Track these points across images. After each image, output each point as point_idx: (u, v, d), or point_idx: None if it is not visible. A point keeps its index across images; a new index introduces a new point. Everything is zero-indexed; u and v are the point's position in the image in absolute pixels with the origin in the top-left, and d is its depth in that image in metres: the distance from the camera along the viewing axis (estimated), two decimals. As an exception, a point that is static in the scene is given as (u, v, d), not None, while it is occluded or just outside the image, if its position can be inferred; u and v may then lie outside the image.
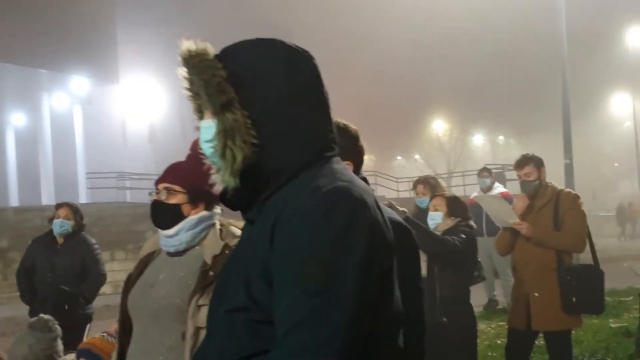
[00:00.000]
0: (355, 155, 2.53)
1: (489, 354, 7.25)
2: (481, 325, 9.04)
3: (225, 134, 1.63)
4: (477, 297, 8.63)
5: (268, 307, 1.55)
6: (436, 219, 4.88)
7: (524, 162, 5.59)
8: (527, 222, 5.46)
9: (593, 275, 5.41)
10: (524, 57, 45.17)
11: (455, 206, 4.90)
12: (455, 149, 50.45)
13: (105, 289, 16.38)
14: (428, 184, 6.58)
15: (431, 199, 5.07)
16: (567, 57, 12.03)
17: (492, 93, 46.37)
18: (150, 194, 2.83)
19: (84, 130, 31.53)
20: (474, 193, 9.77)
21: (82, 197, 30.87)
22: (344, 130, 2.49)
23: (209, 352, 1.70)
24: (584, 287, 5.28)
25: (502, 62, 45.46)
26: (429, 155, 50.84)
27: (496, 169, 31.53)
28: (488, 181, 10.01)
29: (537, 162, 5.57)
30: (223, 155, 1.64)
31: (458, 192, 11.93)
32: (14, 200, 32.74)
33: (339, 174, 1.65)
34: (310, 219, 1.53)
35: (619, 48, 41.24)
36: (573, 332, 8.06)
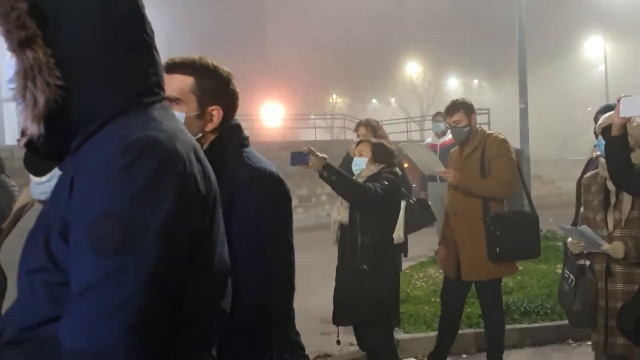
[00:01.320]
0: (225, 99, 2.37)
1: (432, 299, 7.21)
2: (430, 270, 9.03)
3: (24, 74, 1.45)
4: (430, 242, 8.60)
5: (67, 268, 1.40)
6: (360, 165, 4.74)
7: (453, 108, 5.45)
8: (454, 170, 5.36)
9: (522, 221, 5.33)
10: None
11: (380, 152, 4.74)
12: (429, 93, 50.22)
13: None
14: (369, 126, 6.42)
15: (357, 144, 4.92)
16: (525, 8, 11.85)
17: (466, 36, 46.00)
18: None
19: None
20: (427, 139, 9.64)
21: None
22: (214, 72, 2.33)
23: (12, 316, 1.56)
24: (511, 235, 5.19)
25: (476, 5, 45.00)
26: (402, 98, 50.60)
27: (464, 112, 31.70)
28: (442, 125, 9.83)
29: (467, 109, 5.44)
30: (23, 98, 1.46)
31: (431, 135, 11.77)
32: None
33: (154, 123, 1.48)
34: (108, 172, 1.38)
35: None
36: (519, 277, 8.16)
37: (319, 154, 4.31)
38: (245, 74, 47.62)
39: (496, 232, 5.18)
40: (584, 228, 3.89)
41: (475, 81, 54.13)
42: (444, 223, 5.64)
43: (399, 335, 6.16)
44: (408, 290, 7.77)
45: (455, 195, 5.42)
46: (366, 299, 4.52)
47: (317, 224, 14.35)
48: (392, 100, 53.27)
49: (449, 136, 9.65)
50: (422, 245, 9.21)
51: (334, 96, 53.62)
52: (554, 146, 45.03)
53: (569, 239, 4.07)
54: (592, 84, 45.79)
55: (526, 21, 11.86)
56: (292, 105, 44.47)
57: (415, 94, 50.61)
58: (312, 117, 39.01)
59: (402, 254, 6.31)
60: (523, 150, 11.08)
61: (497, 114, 25.77)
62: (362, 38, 46.81)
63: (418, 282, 8.35)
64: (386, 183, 4.50)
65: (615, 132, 3.59)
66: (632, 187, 3.71)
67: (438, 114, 10.15)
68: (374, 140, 4.96)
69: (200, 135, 2.29)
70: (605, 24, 38.65)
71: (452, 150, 5.72)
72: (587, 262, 3.99)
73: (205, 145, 2.28)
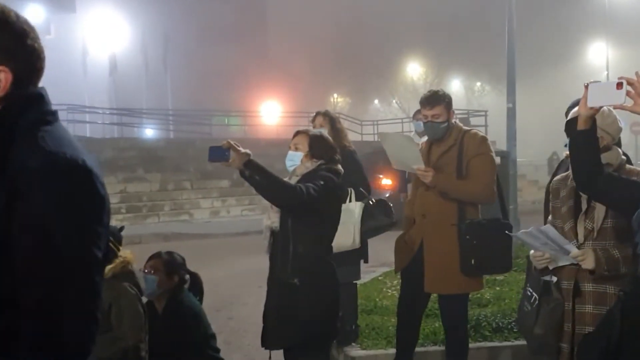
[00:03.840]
0: (17, 58, 1.73)
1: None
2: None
3: None
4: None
5: None
6: (294, 161, 4.07)
7: (434, 100, 4.80)
8: (433, 170, 4.74)
9: (499, 231, 4.68)
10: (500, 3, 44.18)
11: (318, 146, 4.06)
12: (430, 94, 49.63)
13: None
14: (328, 117, 5.85)
15: (294, 135, 4.26)
16: (514, 6, 11.32)
17: (469, 38, 45.44)
18: None
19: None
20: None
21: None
22: (5, 23, 1.70)
23: None
24: (487, 246, 4.61)
25: (480, 8, 44.43)
26: (404, 99, 50.07)
27: (461, 114, 31.28)
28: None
29: (448, 103, 4.82)
30: None
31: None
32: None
33: None
34: None
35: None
36: (498, 287, 7.59)
37: (240, 148, 3.75)
38: (246, 70, 47.32)
39: (472, 242, 4.61)
40: (547, 228, 3.33)
41: (478, 84, 53.55)
42: (405, 225, 5.02)
43: (354, 351, 5.62)
44: (377, 300, 7.22)
45: (426, 196, 4.80)
46: (297, 317, 3.90)
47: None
48: (394, 101, 52.78)
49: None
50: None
51: (335, 95, 53.12)
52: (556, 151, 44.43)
53: (531, 252, 3.50)
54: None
55: (516, 18, 11.32)
56: (292, 103, 43.94)
57: (416, 95, 49.91)
58: (313, 114, 38.38)
59: (362, 261, 5.77)
60: (509, 152, 10.49)
61: (497, 118, 25.28)
62: (364, 38, 46.40)
63: (389, 291, 7.78)
64: (322, 183, 3.85)
65: (581, 125, 2.99)
66: (600, 192, 3.12)
67: (418, 111, 9.56)
68: (312, 131, 4.32)
69: None
70: (608, 30, 38.01)
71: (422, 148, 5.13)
72: (554, 279, 3.41)
73: None
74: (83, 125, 28.21)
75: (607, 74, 35.91)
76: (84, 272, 1.64)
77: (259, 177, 3.75)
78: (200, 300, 4.58)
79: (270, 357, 4.12)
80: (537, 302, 3.43)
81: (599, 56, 42.87)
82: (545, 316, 3.39)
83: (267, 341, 4.06)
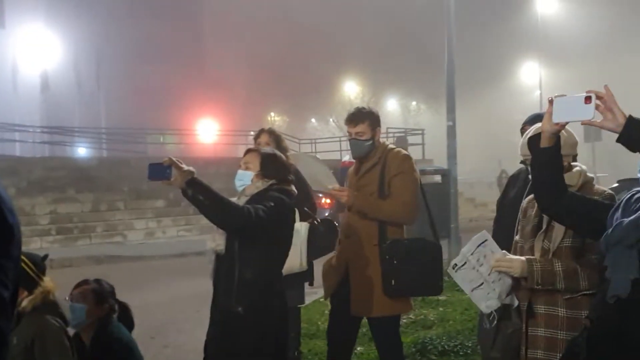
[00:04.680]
0: None
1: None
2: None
3: None
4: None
5: None
6: (244, 180, 3.82)
7: (358, 117, 4.67)
8: (350, 189, 4.60)
9: (423, 250, 4.55)
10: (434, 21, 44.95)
11: (270, 165, 3.83)
12: (367, 113, 50.00)
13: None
14: (273, 135, 5.62)
15: (245, 153, 4.00)
16: (454, 24, 11.29)
17: (404, 58, 45.96)
18: None
19: (-33, 78, 29.49)
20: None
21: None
22: None
23: None
24: (410, 267, 4.43)
25: (415, 28, 45.00)
26: (341, 117, 50.17)
27: (399, 132, 31.46)
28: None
29: (373, 120, 4.68)
30: None
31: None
32: None
33: None
34: None
35: (528, 15, 41.28)
36: (441, 308, 7.44)
37: (183, 166, 3.46)
38: (181, 88, 46.77)
39: (393, 262, 4.43)
40: (483, 234, 3.19)
41: (414, 103, 54.18)
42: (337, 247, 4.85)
43: (294, 379, 5.36)
44: (319, 323, 7.00)
45: (349, 217, 4.67)
46: (240, 350, 3.62)
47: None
48: (331, 119, 52.94)
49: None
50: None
51: (272, 114, 52.99)
52: (489, 169, 45.06)
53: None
54: (528, 109, 46.02)
55: (455, 37, 11.27)
56: (229, 121, 43.57)
57: (353, 114, 50.29)
58: (252, 133, 38.09)
59: (307, 283, 5.53)
60: (450, 170, 10.42)
61: (434, 137, 25.49)
62: (301, 56, 46.48)
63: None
64: (272, 204, 3.60)
65: (544, 142, 2.76)
66: (560, 213, 2.94)
67: None
68: (264, 150, 4.09)
69: None
70: (540, 49, 38.86)
71: (351, 167, 4.97)
72: (515, 302, 3.24)
73: None
74: (12, 144, 27.30)
75: (540, 94, 36.63)
76: None
77: (203, 197, 3.46)
78: (130, 331, 4.25)
79: None
80: (495, 321, 3.27)
81: (532, 75, 43.78)
82: (503, 341, 3.25)
83: None
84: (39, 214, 17.57)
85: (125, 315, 4.24)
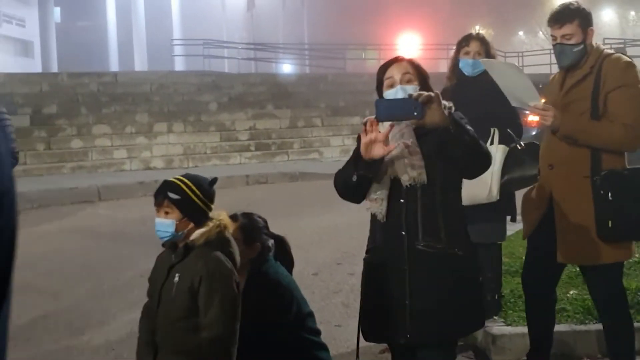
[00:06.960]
0: None
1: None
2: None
3: None
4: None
5: None
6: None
7: (565, 16, 3.72)
8: (554, 108, 3.68)
9: None
10: None
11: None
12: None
13: (157, 163, 15.65)
14: (484, 43, 4.79)
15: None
16: None
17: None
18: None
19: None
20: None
21: (178, 65, 30.60)
22: None
23: None
24: (631, 204, 3.57)
25: None
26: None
27: (616, 44, 28.79)
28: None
29: (584, 19, 3.71)
30: None
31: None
32: (114, 66, 33.56)
33: None
34: None
35: None
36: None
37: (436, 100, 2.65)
38: (383, 1, 46.25)
39: (608, 198, 3.56)
40: None
41: (632, 13, 50.44)
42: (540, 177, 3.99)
43: (496, 328, 4.61)
44: (524, 257, 6.13)
45: (554, 142, 3.77)
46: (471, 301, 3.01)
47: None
48: (540, 31, 50.32)
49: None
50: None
51: (477, 27, 51.13)
52: None
53: None
54: None
55: None
56: (431, 35, 42.37)
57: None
58: (453, 47, 36.86)
59: (509, 218, 4.77)
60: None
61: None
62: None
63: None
64: None
65: None
66: None
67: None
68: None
69: None
70: None
71: (552, 77, 4.03)
72: None
73: None
74: (222, 61, 28.24)
75: None
76: None
77: (468, 137, 2.72)
78: (290, 270, 3.66)
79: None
80: None
81: None
82: None
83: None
84: (238, 130, 17.78)
85: (283, 252, 3.66)
